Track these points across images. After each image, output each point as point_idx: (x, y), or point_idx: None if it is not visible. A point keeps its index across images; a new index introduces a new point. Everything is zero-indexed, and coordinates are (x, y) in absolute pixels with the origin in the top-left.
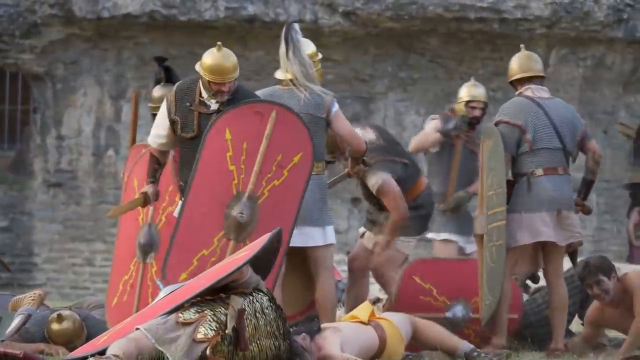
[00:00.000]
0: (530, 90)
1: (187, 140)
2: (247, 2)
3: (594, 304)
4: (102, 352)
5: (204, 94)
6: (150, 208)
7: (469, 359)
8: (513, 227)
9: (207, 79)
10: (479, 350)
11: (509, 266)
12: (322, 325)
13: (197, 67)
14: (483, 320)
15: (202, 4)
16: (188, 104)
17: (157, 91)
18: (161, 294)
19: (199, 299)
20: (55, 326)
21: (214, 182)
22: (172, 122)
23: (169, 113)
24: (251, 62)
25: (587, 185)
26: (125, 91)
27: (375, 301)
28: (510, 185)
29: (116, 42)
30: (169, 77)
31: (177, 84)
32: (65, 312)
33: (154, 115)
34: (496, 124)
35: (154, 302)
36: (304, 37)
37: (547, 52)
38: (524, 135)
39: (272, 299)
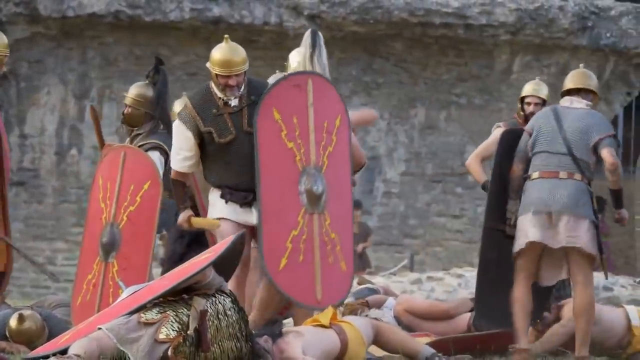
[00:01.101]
0: (566, 100)
1: (226, 144)
2: (213, 4)
3: None
4: (64, 352)
5: (220, 95)
6: (113, 207)
7: None
8: (517, 232)
9: (215, 72)
10: (440, 354)
11: (523, 275)
12: (284, 329)
13: (207, 64)
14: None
15: (167, 5)
16: (215, 110)
17: (135, 89)
18: (124, 294)
19: (161, 299)
20: (16, 326)
21: (279, 164)
22: (203, 135)
23: (195, 129)
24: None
25: (612, 194)
26: (89, 90)
27: (338, 305)
28: None
29: (81, 42)
30: (157, 78)
31: (189, 98)
32: (27, 312)
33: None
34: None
35: (116, 302)
36: (268, 39)
37: (511, 58)
38: (530, 139)
39: (234, 301)
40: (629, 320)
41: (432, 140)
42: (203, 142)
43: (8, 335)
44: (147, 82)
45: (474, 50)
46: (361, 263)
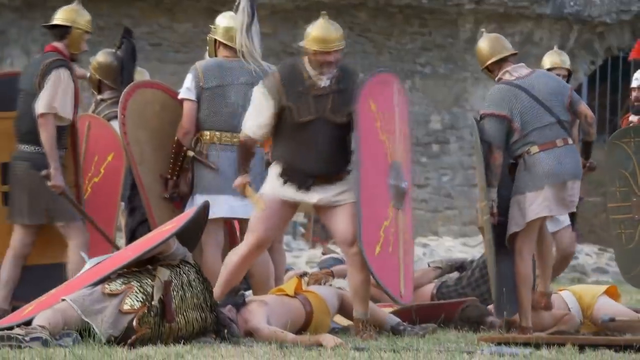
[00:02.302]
0: (507, 73)
1: (302, 124)
2: None
3: None
4: (28, 323)
5: (312, 73)
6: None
7: (395, 333)
8: (518, 209)
9: (313, 49)
10: (404, 324)
11: (528, 248)
12: (248, 299)
13: (301, 43)
14: (495, 313)
15: None
16: (300, 88)
17: (100, 56)
18: (87, 265)
19: (125, 270)
20: None
21: (374, 155)
22: (282, 109)
23: (277, 101)
24: (179, 34)
25: (586, 146)
26: None
27: (302, 274)
28: (513, 169)
29: (44, 12)
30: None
31: (278, 70)
32: None
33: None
34: (482, 117)
35: (80, 273)
36: (229, 9)
37: (475, 27)
38: (512, 124)
39: (198, 271)
40: (566, 305)
41: None
42: (280, 116)
43: None
44: (113, 50)
45: (438, 19)
46: (325, 233)
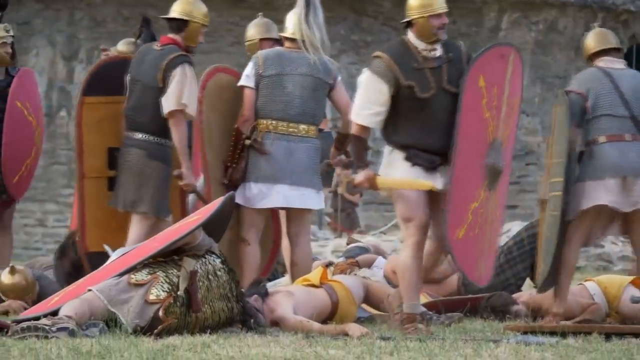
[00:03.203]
0: (603, 61)
1: (423, 100)
2: None
3: None
4: (55, 313)
5: (421, 47)
6: None
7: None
8: (576, 197)
9: (427, 14)
10: (430, 312)
11: (579, 237)
12: (274, 289)
13: (408, 12)
14: (538, 288)
15: None
16: (415, 64)
17: (121, 45)
18: (113, 256)
19: (151, 260)
20: (7, 279)
21: (473, 133)
22: (402, 89)
23: (393, 83)
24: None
25: None
26: (78, 52)
27: (328, 264)
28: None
29: (68, 3)
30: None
31: (385, 52)
32: (19, 267)
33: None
34: (566, 93)
35: (106, 263)
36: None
37: (499, 16)
38: (586, 103)
39: (224, 262)
40: (591, 296)
41: None
42: (397, 98)
43: (0, 293)
44: (134, 40)
45: (462, 8)
46: (350, 222)
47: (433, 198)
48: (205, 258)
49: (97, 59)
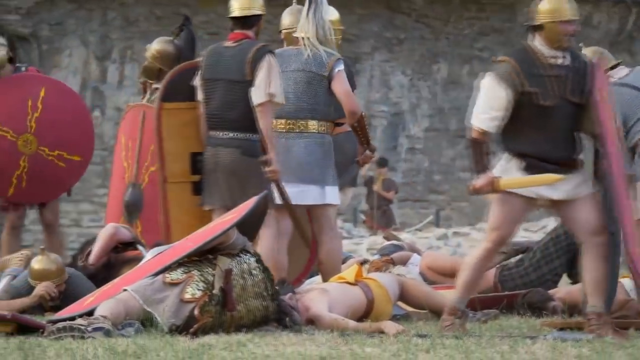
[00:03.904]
0: (610, 78)
1: (544, 108)
2: None
3: None
4: (90, 313)
5: (547, 53)
6: (135, 167)
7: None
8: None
9: (557, 20)
10: (467, 310)
11: None
12: (309, 287)
13: (537, 16)
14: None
15: None
16: (539, 70)
17: (159, 44)
18: (148, 256)
19: (186, 260)
20: (37, 264)
21: (615, 142)
22: (523, 95)
23: (515, 88)
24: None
25: None
26: (111, 52)
27: (363, 262)
28: None
29: (101, 3)
30: (185, 36)
31: (511, 56)
32: (50, 253)
33: (147, 69)
34: None
35: (141, 263)
36: None
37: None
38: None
39: (259, 260)
40: (627, 292)
41: (455, 96)
42: (518, 104)
43: (30, 277)
44: (171, 38)
45: (495, 4)
46: (385, 220)
47: (560, 207)
48: (239, 257)
49: (130, 59)
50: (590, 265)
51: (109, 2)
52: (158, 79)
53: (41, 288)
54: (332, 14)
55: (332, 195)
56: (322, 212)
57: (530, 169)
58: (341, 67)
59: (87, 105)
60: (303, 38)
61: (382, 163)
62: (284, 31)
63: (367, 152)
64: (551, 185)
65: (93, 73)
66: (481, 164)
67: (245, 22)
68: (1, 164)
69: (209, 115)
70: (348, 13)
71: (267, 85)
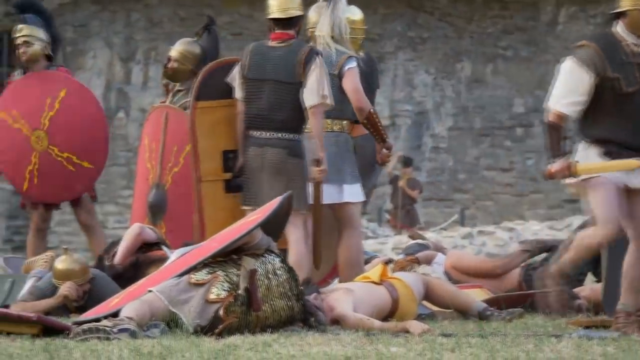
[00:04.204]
0: None
1: (626, 95)
2: None
3: None
4: (115, 314)
5: (630, 40)
6: (158, 168)
7: (482, 318)
8: None
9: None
10: (492, 309)
11: None
12: (335, 286)
13: (621, 3)
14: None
15: None
16: (623, 57)
17: (184, 45)
18: (172, 257)
19: (210, 260)
20: (61, 264)
21: None
22: (605, 81)
23: (597, 73)
24: (260, 23)
25: None
26: (135, 53)
27: (388, 261)
28: None
29: (125, 4)
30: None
31: (593, 41)
32: (74, 253)
33: (169, 70)
34: None
35: (165, 264)
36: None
37: (556, 9)
38: None
39: (283, 260)
40: None
41: (479, 94)
42: (599, 90)
43: (54, 277)
44: (194, 39)
45: (518, 2)
46: (410, 219)
47: (630, 196)
48: (264, 257)
49: (154, 60)
50: (632, 262)
51: (132, 3)
52: (186, 79)
53: (65, 288)
54: (355, 13)
55: (351, 193)
56: (342, 210)
57: (610, 155)
58: (351, 64)
59: (109, 109)
60: (318, 36)
61: (407, 162)
62: (309, 29)
63: (384, 150)
64: (630, 173)
65: (117, 74)
66: (557, 149)
67: (288, 22)
68: (15, 156)
69: (253, 115)
70: (371, 13)
71: (321, 88)
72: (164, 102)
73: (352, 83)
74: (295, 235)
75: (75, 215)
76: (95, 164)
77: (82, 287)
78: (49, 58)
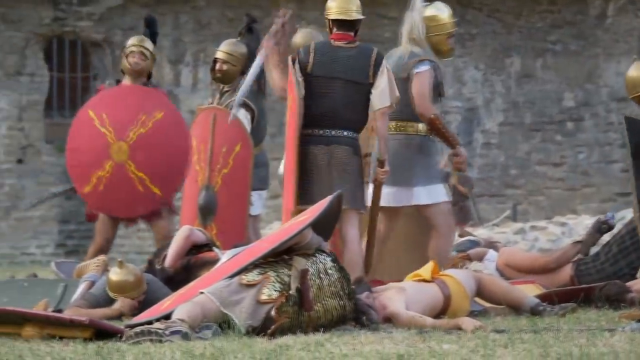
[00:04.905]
0: None
1: None
2: None
3: None
4: (167, 317)
5: None
6: (207, 169)
7: (534, 313)
8: None
9: None
10: (544, 304)
11: None
12: (386, 285)
13: None
14: None
15: None
16: None
17: (232, 45)
18: (224, 258)
19: (261, 261)
20: (115, 276)
21: None
22: None
23: None
24: (308, 22)
25: None
26: (184, 55)
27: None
28: None
29: (173, 7)
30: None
31: None
32: (127, 264)
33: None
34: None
35: (217, 265)
36: None
37: (604, 3)
38: None
39: (335, 260)
40: None
41: (529, 89)
42: None
43: (108, 287)
44: (238, 39)
45: None
46: (463, 215)
47: None
48: (315, 257)
49: (203, 62)
50: None
51: (180, 5)
52: (235, 79)
53: (123, 306)
54: (441, 9)
55: (422, 195)
56: (423, 213)
57: None
58: (422, 68)
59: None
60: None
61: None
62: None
63: (453, 156)
64: None
65: (167, 77)
66: None
67: (350, 24)
68: (88, 158)
69: (318, 112)
70: None
71: (392, 90)
72: (211, 103)
73: (416, 87)
74: (351, 234)
75: (152, 228)
76: (164, 193)
77: (138, 295)
78: (149, 76)
